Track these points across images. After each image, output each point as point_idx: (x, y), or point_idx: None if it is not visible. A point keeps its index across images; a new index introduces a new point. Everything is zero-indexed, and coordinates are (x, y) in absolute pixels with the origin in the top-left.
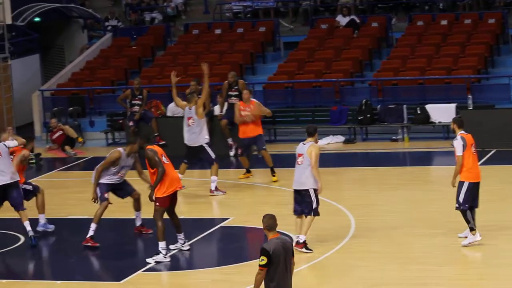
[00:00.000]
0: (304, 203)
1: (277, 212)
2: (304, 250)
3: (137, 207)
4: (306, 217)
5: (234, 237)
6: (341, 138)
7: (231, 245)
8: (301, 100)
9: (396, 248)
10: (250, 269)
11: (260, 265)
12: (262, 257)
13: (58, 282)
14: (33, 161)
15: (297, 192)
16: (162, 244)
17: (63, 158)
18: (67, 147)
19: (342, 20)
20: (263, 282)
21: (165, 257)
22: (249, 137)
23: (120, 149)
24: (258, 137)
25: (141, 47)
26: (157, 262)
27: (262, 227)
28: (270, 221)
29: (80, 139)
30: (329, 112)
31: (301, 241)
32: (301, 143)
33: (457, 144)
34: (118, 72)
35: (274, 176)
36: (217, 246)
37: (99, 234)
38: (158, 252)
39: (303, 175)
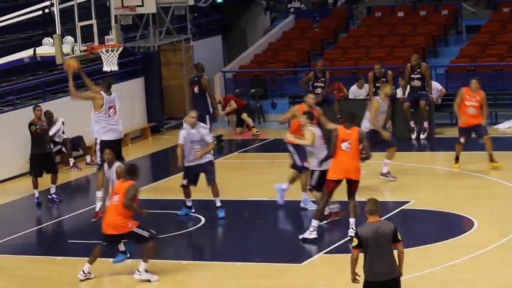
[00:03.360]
0: None
1: (459, 195)
2: None
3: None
4: None
5: (415, 220)
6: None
7: (412, 228)
8: (483, 83)
9: None
10: (430, 252)
11: (352, 246)
12: (353, 239)
13: (239, 263)
14: (215, 142)
15: None
16: (314, 223)
17: (245, 140)
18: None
19: None
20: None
21: (310, 234)
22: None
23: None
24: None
25: (324, 29)
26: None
27: (444, 211)
28: (373, 206)
29: (254, 130)
30: (511, 95)
31: None
32: None
33: None
34: (301, 54)
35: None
36: (398, 229)
37: (277, 216)
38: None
39: None
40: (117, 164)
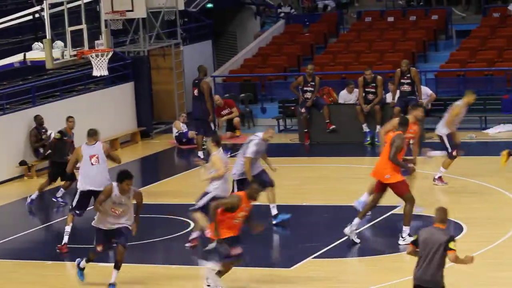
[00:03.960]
0: None
1: (449, 200)
2: None
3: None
4: None
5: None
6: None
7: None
8: (472, 88)
9: None
10: None
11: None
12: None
13: None
14: (204, 147)
15: None
16: (404, 228)
17: (234, 144)
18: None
19: None
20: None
21: (403, 240)
22: None
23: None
24: None
25: (314, 34)
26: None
27: (433, 215)
28: (437, 213)
29: (238, 133)
30: (501, 100)
31: None
32: None
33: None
34: (291, 59)
35: None
36: (387, 234)
37: (266, 221)
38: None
39: None
40: (132, 190)
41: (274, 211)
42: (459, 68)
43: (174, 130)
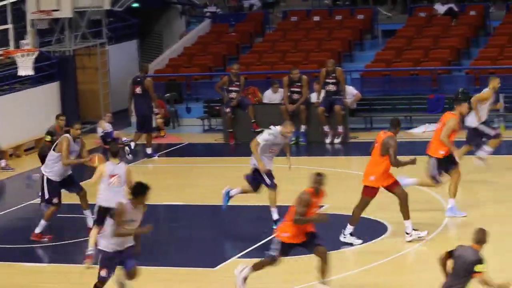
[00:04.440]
0: None
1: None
2: None
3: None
4: None
5: (330, 225)
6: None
7: (326, 232)
8: (398, 88)
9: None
10: (345, 256)
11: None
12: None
13: (152, 268)
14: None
15: None
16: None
17: (159, 144)
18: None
19: (440, 8)
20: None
21: (344, 238)
22: None
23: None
24: None
25: (240, 34)
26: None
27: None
28: (475, 235)
29: (162, 133)
30: (426, 100)
31: None
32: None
33: None
34: (216, 59)
35: None
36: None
37: (197, 220)
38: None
39: None
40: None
41: (275, 216)
42: (384, 67)
43: (99, 130)
